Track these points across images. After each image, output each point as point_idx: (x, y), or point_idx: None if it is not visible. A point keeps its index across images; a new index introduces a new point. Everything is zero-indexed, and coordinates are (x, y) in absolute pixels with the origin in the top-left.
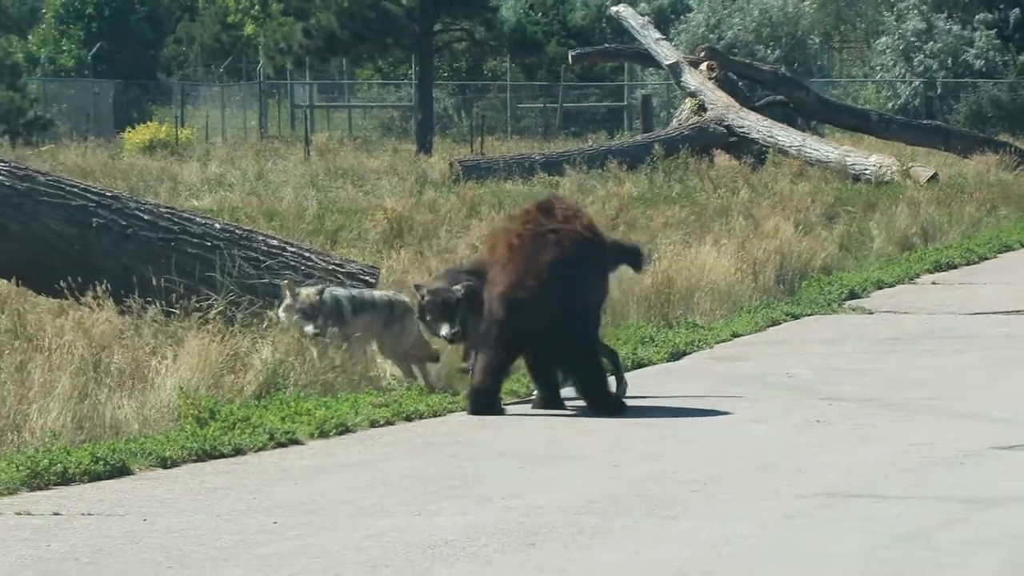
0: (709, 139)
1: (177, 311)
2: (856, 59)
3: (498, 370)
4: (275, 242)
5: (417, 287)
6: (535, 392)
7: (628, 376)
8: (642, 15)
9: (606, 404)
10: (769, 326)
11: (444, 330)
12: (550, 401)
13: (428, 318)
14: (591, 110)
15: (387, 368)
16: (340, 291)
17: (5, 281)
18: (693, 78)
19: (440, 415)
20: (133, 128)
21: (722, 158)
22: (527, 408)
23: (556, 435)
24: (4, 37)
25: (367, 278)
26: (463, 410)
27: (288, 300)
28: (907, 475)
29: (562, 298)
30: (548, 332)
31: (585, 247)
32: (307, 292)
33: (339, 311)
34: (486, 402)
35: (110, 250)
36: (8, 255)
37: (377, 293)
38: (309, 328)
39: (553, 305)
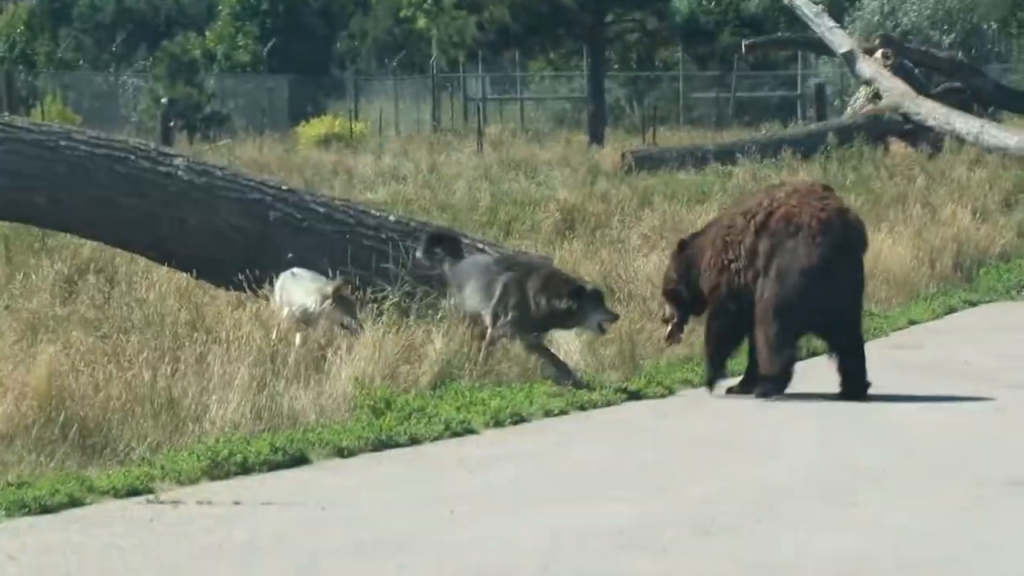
0: (884, 127)
1: (353, 302)
2: None
3: (795, 344)
4: None
5: (568, 280)
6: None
7: (804, 365)
8: (816, 3)
9: (867, 381)
10: (946, 314)
11: (607, 317)
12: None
13: (591, 307)
14: (764, 99)
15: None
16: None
17: (184, 274)
18: (868, 66)
19: (613, 404)
20: (307, 122)
21: (897, 146)
22: (702, 395)
23: (732, 423)
24: (182, 35)
25: None
26: (629, 398)
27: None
28: None
29: (861, 273)
30: (851, 305)
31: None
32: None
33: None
34: (788, 379)
35: (287, 243)
36: (187, 249)
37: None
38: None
39: (859, 279)
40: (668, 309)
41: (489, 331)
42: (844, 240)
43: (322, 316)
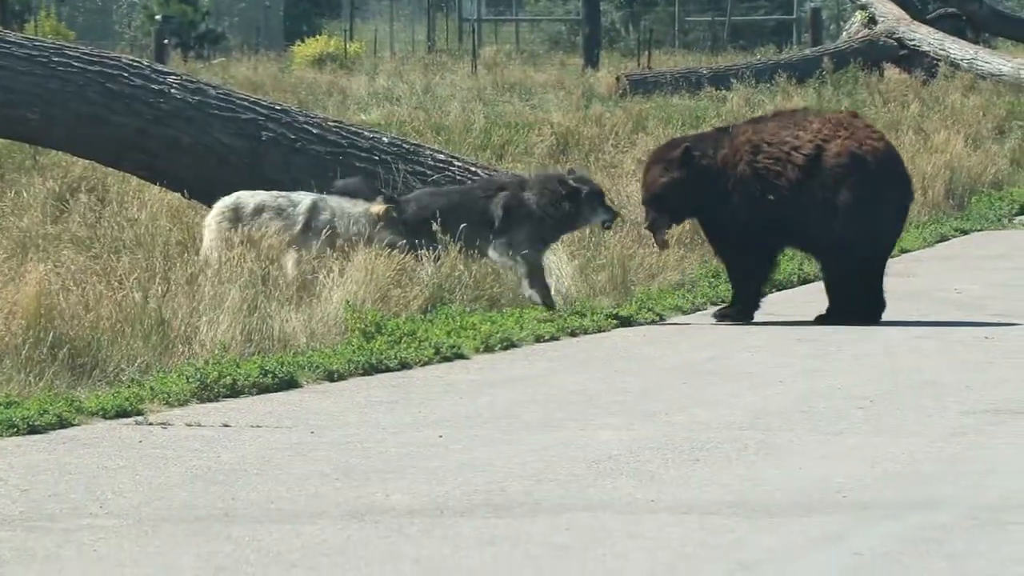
0: (879, 52)
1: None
2: None
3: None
4: (442, 156)
5: (562, 178)
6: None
7: (795, 292)
8: None
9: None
10: (937, 242)
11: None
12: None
13: (595, 204)
14: (760, 23)
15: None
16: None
17: (176, 194)
18: None
19: (604, 331)
20: (302, 42)
21: (892, 72)
22: (688, 322)
23: (720, 351)
24: None
25: None
26: (620, 325)
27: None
28: None
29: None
30: (895, 238)
31: None
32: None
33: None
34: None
35: (279, 163)
36: (179, 167)
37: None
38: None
39: (906, 212)
40: (651, 214)
41: (521, 265)
42: (901, 176)
43: (374, 238)
